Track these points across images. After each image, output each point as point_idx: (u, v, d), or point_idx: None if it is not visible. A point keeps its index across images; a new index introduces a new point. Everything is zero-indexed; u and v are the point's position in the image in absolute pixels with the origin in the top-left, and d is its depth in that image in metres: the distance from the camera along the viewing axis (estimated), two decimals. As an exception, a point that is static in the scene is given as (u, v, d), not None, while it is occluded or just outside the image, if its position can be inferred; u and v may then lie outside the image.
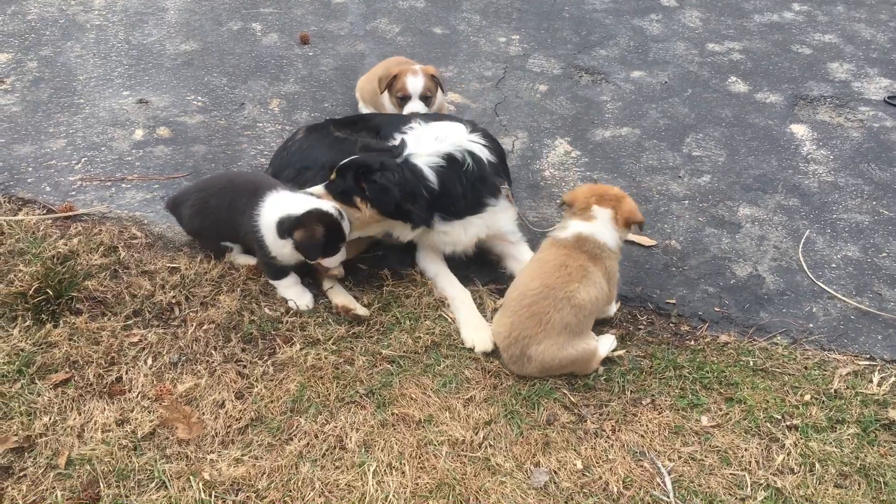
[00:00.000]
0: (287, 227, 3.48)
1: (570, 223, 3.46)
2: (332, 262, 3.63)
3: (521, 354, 3.27)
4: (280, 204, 3.56)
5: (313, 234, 3.45)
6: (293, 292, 3.74)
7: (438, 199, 3.64)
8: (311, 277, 3.79)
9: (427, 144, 3.69)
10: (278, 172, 4.01)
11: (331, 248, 3.54)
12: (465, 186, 3.69)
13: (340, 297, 3.72)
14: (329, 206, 3.52)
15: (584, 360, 3.34)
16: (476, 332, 3.56)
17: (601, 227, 3.44)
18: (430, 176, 3.61)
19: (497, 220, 3.85)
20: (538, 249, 3.55)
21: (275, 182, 3.75)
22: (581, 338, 3.29)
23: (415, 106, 4.48)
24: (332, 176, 3.62)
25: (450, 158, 3.67)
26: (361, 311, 3.65)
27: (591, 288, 3.28)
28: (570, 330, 3.24)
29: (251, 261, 3.87)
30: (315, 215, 3.46)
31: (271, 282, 3.78)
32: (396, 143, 3.76)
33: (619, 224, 3.46)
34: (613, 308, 3.69)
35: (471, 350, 3.53)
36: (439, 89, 4.60)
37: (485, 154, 3.77)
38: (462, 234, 3.80)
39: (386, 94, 4.61)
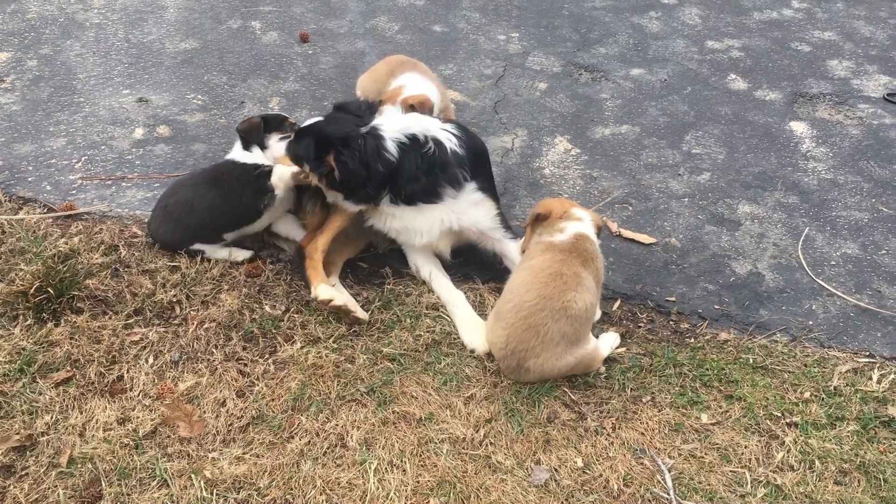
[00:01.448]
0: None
1: (566, 225, 3.45)
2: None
3: (519, 366, 3.25)
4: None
5: (251, 121, 3.98)
6: (289, 168, 3.83)
7: (391, 175, 3.59)
8: (304, 280, 3.76)
9: (395, 122, 3.72)
10: None
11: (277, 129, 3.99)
12: (419, 168, 3.63)
13: (342, 297, 3.72)
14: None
15: (585, 364, 3.33)
16: (475, 334, 3.56)
17: (588, 228, 3.47)
18: (391, 148, 3.58)
19: (467, 214, 3.78)
20: (526, 255, 3.52)
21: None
22: (579, 345, 3.27)
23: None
24: (293, 136, 3.79)
25: (413, 138, 3.64)
26: (361, 314, 3.64)
27: (586, 295, 3.24)
28: (568, 339, 3.21)
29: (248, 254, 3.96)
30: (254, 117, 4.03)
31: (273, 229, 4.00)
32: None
33: (594, 229, 3.52)
34: (598, 313, 3.67)
35: (472, 352, 3.53)
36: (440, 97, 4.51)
37: (451, 144, 3.72)
38: (416, 221, 3.73)
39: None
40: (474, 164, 3.82)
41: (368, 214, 3.81)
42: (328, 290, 3.60)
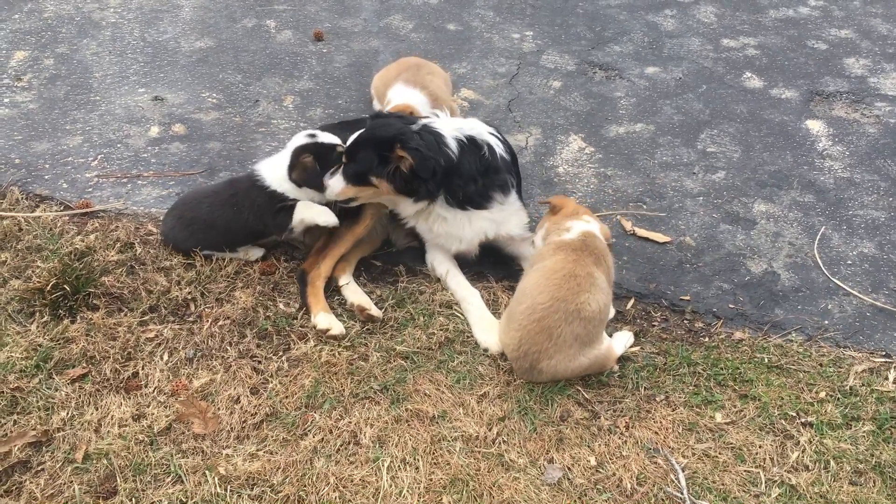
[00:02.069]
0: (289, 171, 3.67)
1: (573, 224, 3.46)
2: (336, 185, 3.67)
3: (532, 367, 3.24)
4: (273, 163, 3.77)
5: (304, 164, 3.63)
6: (316, 210, 3.70)
7: (450, 174, 3.57)
8: (305, 306, 3.71)
9: (450, 121, 3.73)
10: None
11: (330, 164, 3.66)
12: (478, 170, 3.63)
13: (355, 295, 3.73)
14: (302, 136, 3.73)
15: (598, 364, 3.32)
16: (489, 333, 3.55)
17: (596, 229, 3.47)
18: (452, 144, 3.57)
19: (507, 221, 3.81)
20: (538, 255, 3.50)
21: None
22: (593, 346, 3.26)
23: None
24: (345, 159, 3.65)
25: (470, 139, 3.65)
26: (375, 311, 3.66)
27: (599, 295, 3.23)
28: (581, 341, 3.20)
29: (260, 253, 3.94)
30: (298, 150, 3.66)
31: (295, 218, 3.71)
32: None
33: (602, 236, 3.52)
34: (612, 311, 3.65)
35: (485, 351, 3.53)
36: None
37: (500, 149, 3.75)
38: (464, 227, 3.74)
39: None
40: (516, 171, 3.86)
41: (409, 216, 3.80)
42: (326, 318, 3.58)
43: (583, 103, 5.30)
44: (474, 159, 3.63)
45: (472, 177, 3.63)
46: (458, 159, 3.57)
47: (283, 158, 3.72)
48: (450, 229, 3.76)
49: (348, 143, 3.66)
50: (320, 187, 3.66)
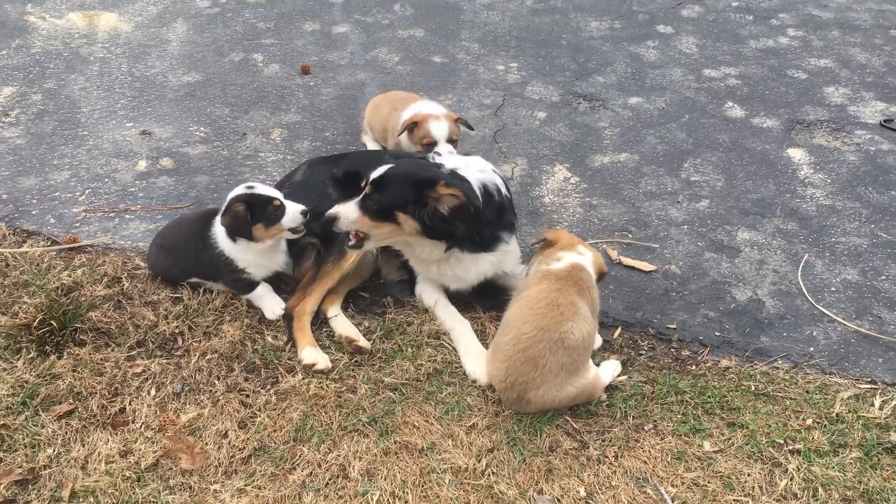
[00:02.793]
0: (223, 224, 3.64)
1: (565, 255, 3.47)
2: (289, 222, 3.63)
3: (520, 398, 3.24)
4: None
5: (235, 212, 3.57)
6: (267, 300, 3.77)
7: (477, 219, 3.51)
8: (292, 341, 3.71)
9: (469, 168, 3.67)
10: None
11: (263, 216, 3.59)
12: (493, 216, 3.62)
13: (344, 327, 3.74)
14: (241, 188, 3.64)
15: (586, 393, 3.33)
16: (478, 363, 3.55)
17: (588, 263, 3.49)
18: (478, 190, 3.55)
19: (506, 260, 3.83)
20: (524, 284, 3.50)
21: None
22: (579, 374, 3.27)
23: (444, 148, 4.27)
24: (368, 189, 3.48)
25: (485, 186, 3.64)
26: (364, 343, 3.66)
27: (583, 324, 3.24)
28: (567, 370, 3.20)
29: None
30: (232, 200, 3.59)
31: (245, 296, 3.82)
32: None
33: (595, 270, 3.52)
34: (599, 340, 3.69)
35: (474, 382, 3.53)
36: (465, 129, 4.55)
37: (504, 189, 3.76)
38: (470, 270, 3.74)
39: (405, 136, 4.49)
40: (512, 208, 3.87)
41: (428, 261, 3.73)
42: (312, 353, 3.58)
43: (567, 133, 5.36)
44: (491, 203, 3.63)
45: (490, 220, 3.62)
46: (483, 204, 3.53)
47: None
48: (457, 271, 3.75)
49: (374, 175, 3.48)
50: (249, 236, 3.62)
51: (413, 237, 3.53)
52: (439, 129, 4.34)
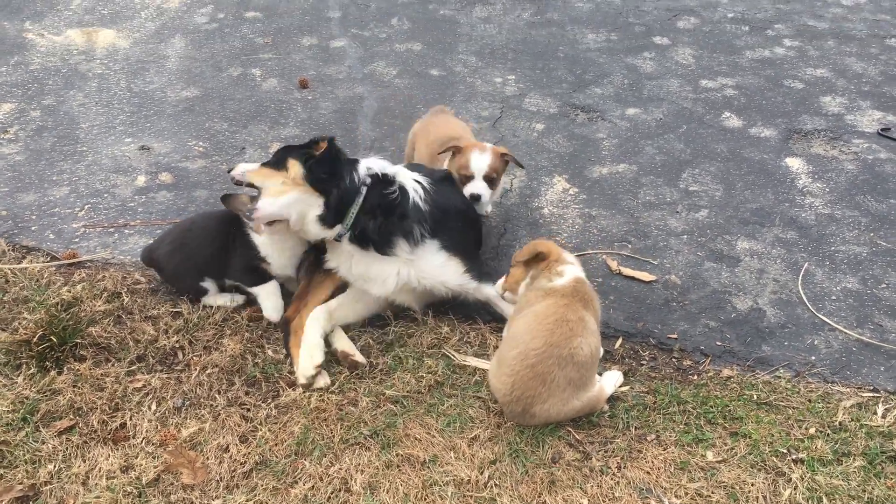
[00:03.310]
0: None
1: (565, 269, 3.46)
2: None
3: (524, 412, 3.22)
4: None
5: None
6: (273, 300, 3.83)
7: (350, 201, 3.60)
8: (288, 357, 3.71)
9: (373, 161, 3.75)
10: None
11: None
12: (379, 207, 3.61)
13: (341, 342, 3.74)
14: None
15: (590, 405, 3.32)
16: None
17: (581, 271, 3.49)
18: (364, 173, 3.64)
19: (430, 274, 3.75)
20: (525, 300, 3.46)
21: None
22: (586, 389, 3.26)
23: (477, 186, 4.04)
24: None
25: (382, 176, 3.67)
26: (360, 358, 3.66)
27: (591, 339, 3.23)
28: (575, 385, 3.19)
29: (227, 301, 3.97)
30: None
31: (252, 289, 3.87)
32: None
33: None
34: (601, 351, 3.66)
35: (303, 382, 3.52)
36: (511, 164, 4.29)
37: (415, 196, 3.71)
38: (372, 269, 3.71)
39: (447, 159, 4.25)
40: (438, 222, 3.76)
41: (329, 256, 3.80)
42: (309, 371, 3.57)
43: (566, 145, 5.37)
44: (382, 193, 3.64)
45: (371, 212, 3.61)
46: (367, 191, 3.62)
47: None
48: (359, 269, 3.74)
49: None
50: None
51: (298, 190, 3.56)
52: (479, 161, 4.04)
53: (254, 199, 3.62)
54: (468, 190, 4.05)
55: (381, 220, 3.61)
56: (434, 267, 3.74)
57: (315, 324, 3.67)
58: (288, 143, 5.17)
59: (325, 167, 3.56)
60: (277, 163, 3.64)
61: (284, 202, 3.55)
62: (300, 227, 3.62)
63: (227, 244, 3.85)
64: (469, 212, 4.04)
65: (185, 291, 3.95)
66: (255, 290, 3.85)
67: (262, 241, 3.78)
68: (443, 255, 3.76)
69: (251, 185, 3.67)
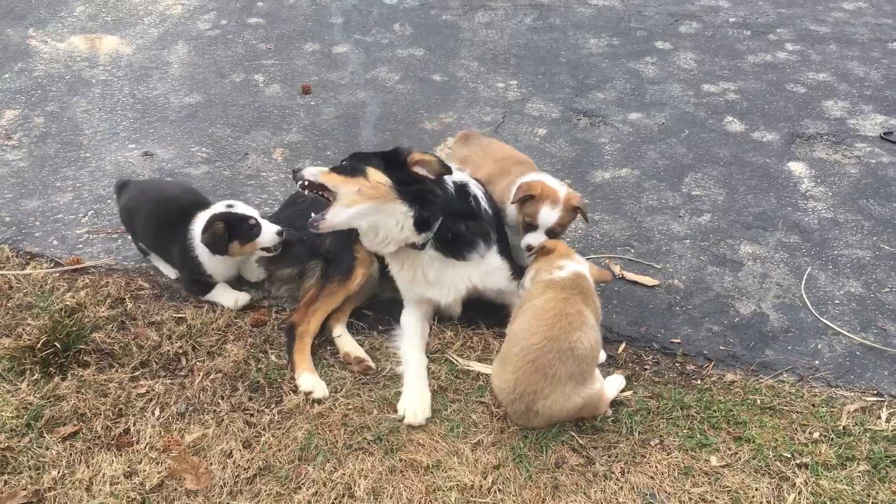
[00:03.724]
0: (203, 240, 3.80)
1: (566, 263, 3.47)
2: (264, 241, 3.83)
3: (528, 410, 3.22)
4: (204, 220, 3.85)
5: (214, 230, 3.74)
6: (227, 297, 3.98)
7: (446, 209, 3.55)
8: (290, 363, 3.68)
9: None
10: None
11: (240, 234, 3.78)
12: (461, 213, 3.63)
13: (350, 346, 3.74)
14: (221, 205, 3.87)
15: (592, 404, 3.31)
16: (414, 402, 3.43)
17: (586, 271, 3.49)
18: (450, 182, 3.63)
19: (491, 276, 3.77)
20: (527, 295, 3.48)
21: (203, 198, 4.15)
22: (587, 384, 3.25)
23: (536, 238, 3.78)
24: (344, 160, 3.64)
25: (463, 185, 3.70)
26: (370, 362, 3.67)
27: (590, 333, 3.24)
28: (576, 379, 3.19)
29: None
30: (213, 218, 3.77)
31: (203, 298, 3.99)
32: None
33: (593, 279, 3.52)
34: (603, 355, 3.67)
35: (400, 420, 3.40)
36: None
37: (485, 204, 3.77)
38: (445, 275, 3.70)
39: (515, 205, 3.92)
40: (498, 227, 3.85)
41: (394, 263, 3.78)
42: (310, 380, 3.54)
43: (568, 150, 5.37)
44: (465, 202, 3.66)
45: (461, 216, 3.63)
46: (454, 198, 3.60)
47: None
48: (430, 275, 3.70)
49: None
50: (224, 252, 3.79)
51: (380, 200, 3.46)
52: (548, 217, 3.77)
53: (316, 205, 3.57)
54: (526, 240, 3.84)
55: (465, 224, 3.65)
56: (494, 270, 3.79)
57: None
58: (294, 147, 5.21)
59: (411, 176, 3.51)
60: (352, 170, 3.51)
61: (357, 211, 3.47)
62: (374, 234, 3.56)
63: (174, 237, 3.95)
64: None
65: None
66: (206, 297, 3.99)
67: (206, 260, 3.88)
68: (499, 259, 3.82)
69: (322, 190, 3.51)
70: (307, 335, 3.70)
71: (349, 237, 3.77)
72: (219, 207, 3.87)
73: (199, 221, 3.84)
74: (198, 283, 3.97)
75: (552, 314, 3.24)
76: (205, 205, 3.99)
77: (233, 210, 3.83)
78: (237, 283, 4.10)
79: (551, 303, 3.30)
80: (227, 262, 3.92)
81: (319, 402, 3.50)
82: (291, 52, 6.58)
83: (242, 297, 3.98)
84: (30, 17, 7.01)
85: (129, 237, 4.27)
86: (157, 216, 4.01)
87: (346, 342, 3.76)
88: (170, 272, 4.14)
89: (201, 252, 3.85)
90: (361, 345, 3.78)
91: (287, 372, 3.62)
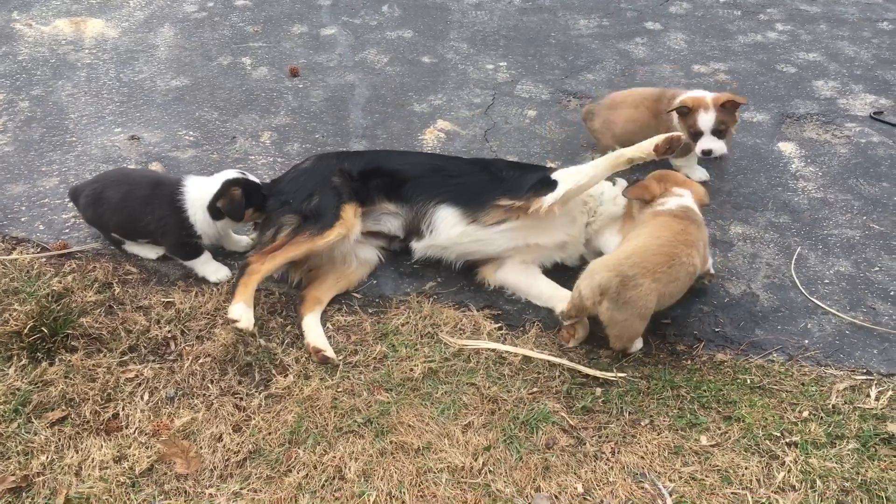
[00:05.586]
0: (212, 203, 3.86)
1: (669, 199, 3.70)
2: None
3: (624, 287, 3.30)
4: (204, 185, 3.91)
5: (233, 196, 3.83)
6: (210, 268, 4.01)
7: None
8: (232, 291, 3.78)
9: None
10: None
11: (255, 201, 3.92)
12: None
13: (313, 336, 3.69)
14: (232, 172, 3.96)
15: (637, 328, 3.49)
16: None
17: (690, 201, 3.74)
18: None
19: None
20: (631, 226, 3.78)
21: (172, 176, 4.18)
22: (673, 298, 3.52)
23: (707, 143, 4.39)
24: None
25: None
26: (331, 354, 3.60)
27: (697, 260, 3.51)
28: (671, 295, 3.45)
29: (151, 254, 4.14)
30: (229, 183, 3.86)
31: (186, 263, 3.99)
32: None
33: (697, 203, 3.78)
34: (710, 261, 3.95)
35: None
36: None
37: None
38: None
39: (676, 118, 4.53)
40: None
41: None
42: (241, 310, 3.61)
43: (558, 131, 5.35)
44: None
45: None
46: None
47: (210, 186, 3.89)
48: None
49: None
50: (240, 218, 3.91)
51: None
52: (706, 121, 4.36)
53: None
54: (699, 147, 4.41)
55: None
56: None
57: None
58: (282, 130, 5.18)
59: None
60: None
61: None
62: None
63: (149, 208, 3.93)
64: None
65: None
66: (189, 263, 3.99)
67: (199, 220, 3.88)
68: None
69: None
70: (257, 273, 3.73)
71: (339, 196, 3.90)
72: (230, 173, 3.93)
73: (193, 184, 3.92)
74: (186, 245, 3.94)
75: (677, 228, 3.54)
76: (163, 179, 4.10)
77: (247, 177, 3.95)
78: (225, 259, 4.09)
79: (671, 221, 3.58)
80: (218, 224, 3.94)
81: (242, 332, 3.60)
82: (279, 35, 6.52)
83: (224, 271, 4.00)
84: (14, 1, 6.91)
85: (102, 236, 4.22)
86: (125, 194, 3.97)
87: (312, 331, 3.71)
88: (149, 253, 4.11)
89: (194, 213, 3.86)
90: (350, 326, 3.77)
91: (276, 356, 3.61)
